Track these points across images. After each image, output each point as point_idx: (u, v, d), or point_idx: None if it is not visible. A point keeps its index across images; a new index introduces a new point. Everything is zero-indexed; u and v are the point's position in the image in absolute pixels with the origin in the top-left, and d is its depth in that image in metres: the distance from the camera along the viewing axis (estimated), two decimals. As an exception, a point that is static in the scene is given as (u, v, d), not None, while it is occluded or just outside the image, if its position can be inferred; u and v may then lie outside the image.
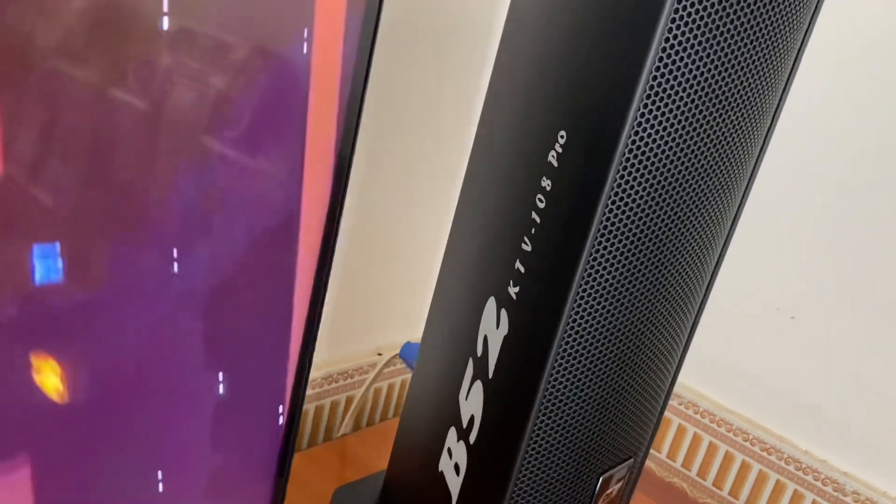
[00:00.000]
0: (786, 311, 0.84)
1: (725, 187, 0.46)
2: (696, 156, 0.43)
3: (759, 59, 0.43)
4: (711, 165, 0.44)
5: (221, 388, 0.25)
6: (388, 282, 0.79)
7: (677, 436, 0.92)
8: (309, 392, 0.76)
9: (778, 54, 0.44)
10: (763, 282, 0.86)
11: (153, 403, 0.22)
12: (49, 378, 0.19)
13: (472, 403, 0.51)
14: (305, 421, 0.76)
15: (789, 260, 0.84)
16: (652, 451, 0.95)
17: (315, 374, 0.75)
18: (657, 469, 0.94)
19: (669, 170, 0.42)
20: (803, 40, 0.49)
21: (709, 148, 0.43)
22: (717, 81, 0.41)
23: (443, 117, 0.74)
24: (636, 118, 0.40)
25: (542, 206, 0.45)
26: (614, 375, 0.48)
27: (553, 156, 0.44)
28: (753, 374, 0.87)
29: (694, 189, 0.44)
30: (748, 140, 0.46)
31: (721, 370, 0.90)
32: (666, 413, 0.93)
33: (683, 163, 0.43)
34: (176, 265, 0.22)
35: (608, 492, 0.54)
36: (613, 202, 0.42)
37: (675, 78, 0.40)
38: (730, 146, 0.45)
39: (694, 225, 0.46)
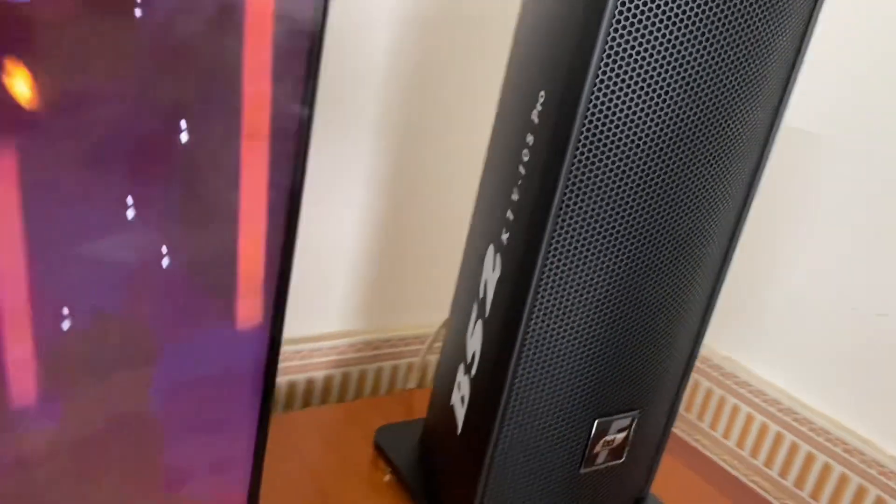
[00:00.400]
0: (873, 310, 0.81)
1: (699, 146, 0.49)
2: (659, 113, 0.47)
3: (720, 40, 0.46)
4: (678, 125, 0.47)
5: (185, 136, 0.30)
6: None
7: (760, 435, 0.91)
8: (385, 351, 0.84)
9: (746, 31, 0.47)
10: (849, 280, 0.83)
11: (121, 131, 0.29)
12: (20, 84, 0.27)
13: (474, 341, 0.57)
14: (381, 377, 0.85)
15: (878, 258, 0.81)
16: (734, 447, 0.93)
17: (390, 334, 0.84)
18: (739, 466, 0.93)
19: (634, 121, 0.46)
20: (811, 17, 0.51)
21: (672, 106, 0.47)
22: (672, 47, 0.45)
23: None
24: (596, 74, 0.45)
25: (526, 159, 0.51)
26: (596, 316, 0.52)
27: (535, 114, 0.50)
28: (839, 375, 0.84)
29: (659, 143, 0.47)
30: (724, 107, 0.49)
31: (805, 369, 0.87)
32: (748, 409, 0.91)
33: (644, 120, 0.46)
34: (138, 10, 0.28)
35: (608, 439, 0.58)
36: (580, 150, 0.47)
37: (628, 42, 0.44)
38: (699, 110, 0.48)
39: (666, 178, 0.49)
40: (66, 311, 0.31)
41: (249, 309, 0.36)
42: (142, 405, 0.35)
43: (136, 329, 0.33)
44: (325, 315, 0.79)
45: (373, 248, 0.80)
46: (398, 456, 0.67)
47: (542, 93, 0.49)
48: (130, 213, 0.30)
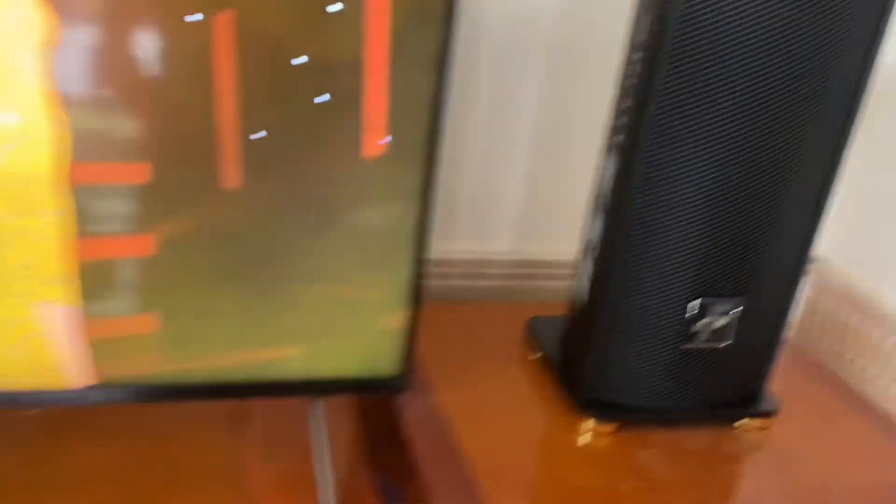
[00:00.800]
0: None
1: (793, 47, 0.58)
2: (740, 25, 0.57)
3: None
4: (769, 29, 0.57)
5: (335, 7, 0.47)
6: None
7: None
8: (554, 271, 0.98)
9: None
10: None
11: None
12: None
13: (596, 230, 0.69)
14: (552, 293, 0.99)
15: None
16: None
17: (558, 257, 0.98)
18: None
19: (724, 25, 0.57)
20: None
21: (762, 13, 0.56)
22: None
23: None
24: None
25: (634, 71, 0.63)
26: (697, 203, 0.62)
27: (641, 36, 0.62)
28: None
29: (741, 53, 0.57)
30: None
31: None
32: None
33: (734, 24, 0.57)
34: None
35: (708, 320, 0.67)
36: (672, 60, 0.58)
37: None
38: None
39: (754, 81, 0.58)
40: (262, 130, 0.51)
41: (374, 141, 0.53)
42: (310, 201, 0.55)
43: (304, 145, 0.52)
44: (500, 234, 0.95)
45: (544, 180, 0.94)
46: (544, 340, 0.81)
47: (646, 17, 0.61)
48: (298, 62, 0.49)
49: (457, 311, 0.89)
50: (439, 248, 0.93)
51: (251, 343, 0.60)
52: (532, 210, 0.95)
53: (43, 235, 0.51)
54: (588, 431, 0.70)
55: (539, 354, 0.81)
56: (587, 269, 0.71)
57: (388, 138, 0.54)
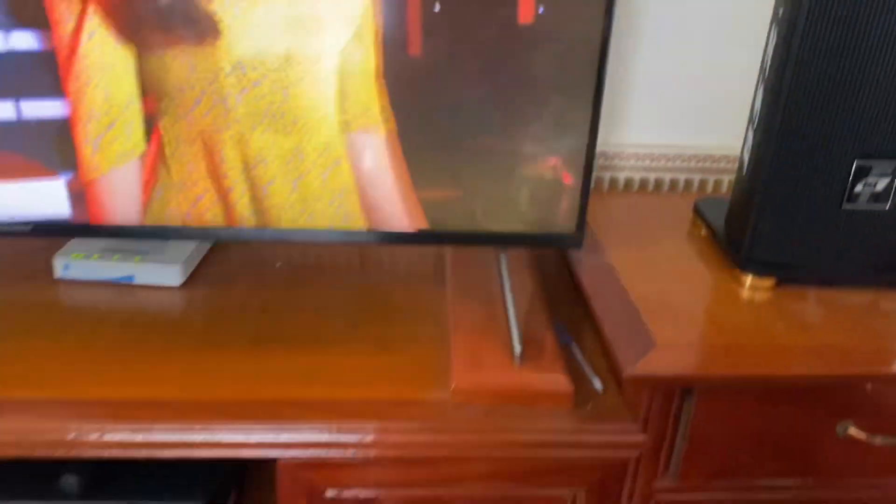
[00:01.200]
0: None
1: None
2: None
3: None
4: None
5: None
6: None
7: None
8: (725, 165, 1.03)
9: None
10: None
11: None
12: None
13: (758, 101, 0.75)
14: (720, 187, 1.04)
15: None
16: None
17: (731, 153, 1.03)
18: None
19: None
20: None
21: None
22: None
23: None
24: None
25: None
26: (852, 61, 0.66)
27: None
28: None
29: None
30: None
31: None
32: None
33: None
34: None
35: (869, 180, 0.71)
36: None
37: None
38: None
39: None
40: (437, 4, 0.63)
41: (529, 10, 0.64)
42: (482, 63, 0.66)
43: (472, 16, 0.64)
44: (670, 128, 1.01)
45: (715, 75, 0.99)
46: (711, 217, 0.88)
47: None
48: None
49: (627, 197, 0.98)
50: (611, 141, 1.01)
51: (437, 186, 0.72)
52: (702, 104, 1.01)
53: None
54: (747, 285, 0.76)
55: (705, 231, 0.88)
56: (748, 141, 0.77)
57: (542, 9, 0.64)
